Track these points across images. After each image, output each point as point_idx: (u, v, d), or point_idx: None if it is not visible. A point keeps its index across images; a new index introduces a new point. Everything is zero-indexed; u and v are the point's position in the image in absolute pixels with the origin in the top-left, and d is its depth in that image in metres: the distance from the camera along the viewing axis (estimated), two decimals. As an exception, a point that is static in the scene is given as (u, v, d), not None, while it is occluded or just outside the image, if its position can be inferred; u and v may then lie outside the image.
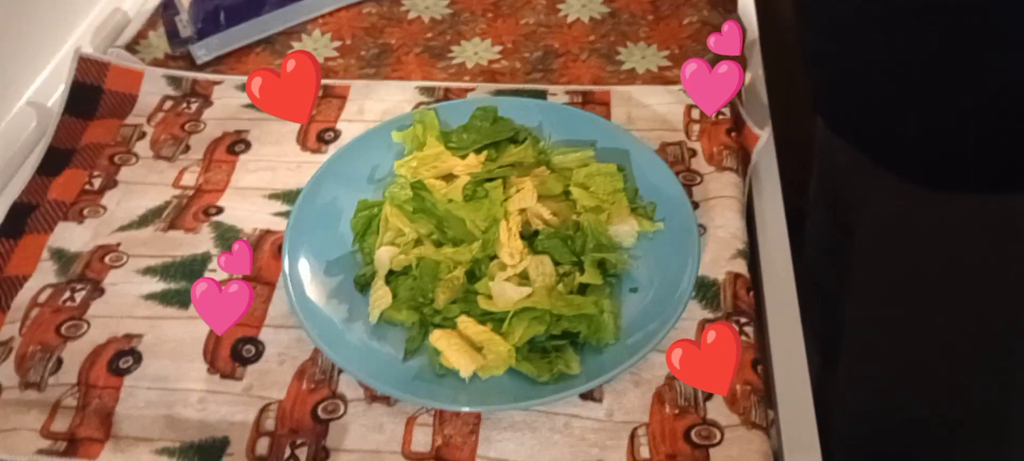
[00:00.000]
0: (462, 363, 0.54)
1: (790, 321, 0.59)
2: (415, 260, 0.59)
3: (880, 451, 0.84)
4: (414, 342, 0.57)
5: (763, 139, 0.69)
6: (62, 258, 0.64)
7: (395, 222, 0.62)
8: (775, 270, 0.63)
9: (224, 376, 0.56)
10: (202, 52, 0.81)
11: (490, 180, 0.63)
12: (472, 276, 0.59)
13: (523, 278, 0.58)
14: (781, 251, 0.64)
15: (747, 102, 0.75)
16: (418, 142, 0.68)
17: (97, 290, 0.61)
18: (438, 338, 0.55)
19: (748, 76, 0.78)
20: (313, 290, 0.59)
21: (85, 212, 0.67)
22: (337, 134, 0.73)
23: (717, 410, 0.53)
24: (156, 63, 0.81)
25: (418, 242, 0.61)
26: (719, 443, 0.52)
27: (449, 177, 0.65)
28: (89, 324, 0.59)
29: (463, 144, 0.67)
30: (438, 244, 0.61)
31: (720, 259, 0.61)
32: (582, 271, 0.59)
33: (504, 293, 0.57)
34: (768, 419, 0.53)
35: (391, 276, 0.60)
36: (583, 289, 0.59)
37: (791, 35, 0.73)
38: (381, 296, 0.58)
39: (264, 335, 0.58)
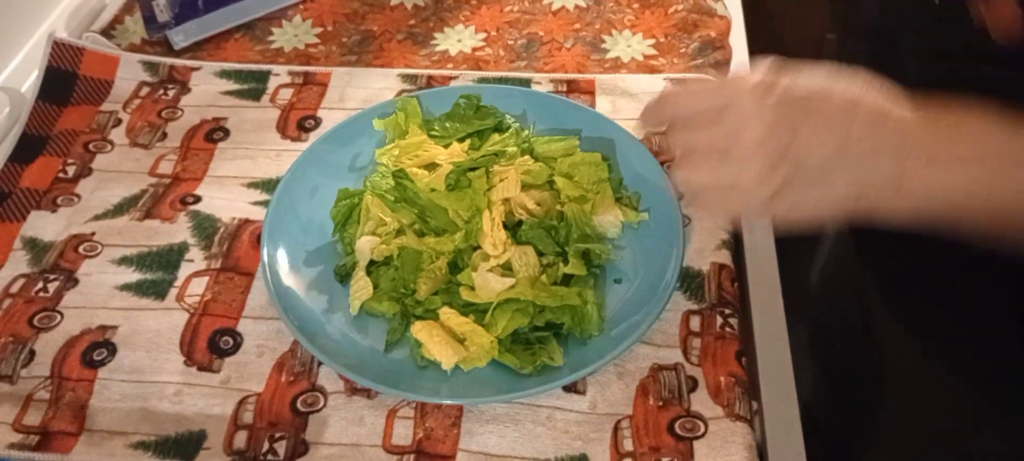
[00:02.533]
0: (444, 355, 0.53)
1: (774, 313, 0.59)
2: (396, 250, 0.59)
3: None
4: (395, 334, 0.56)
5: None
6: (35, 248, 0.62)
7: (376, 212, 0.61)
8: (759, 261, 0.62)
9: (201, 368, 0.55)
10: (180, 38, 0.79)
11: (473, 169, 0.63)
12: (454, 267, 0.58)
13: (506, 269, 0.58)
14: (765, 242, 0.64)
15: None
16: (400, 130, 0.67)
17: (71, 280, 0.60)
18: (420, 330, 0.55)
19: (733, 67, 0.78)
20: (292, 281, 0.58)
21: (59, 201, 0.66)
22: (318, 122, 0.72)
23: (701, 402, 0.53)
24: (132, 48, 0.80)
25: (400, 232, 0.61)
26: (703, 435, 0.51)
27: (431, 166, 0.64)
28: (63, 315, 0.58)
29: (446, 132, 0.66)
30: (420, 234, 0.60)
31: (705, 250, 0.61)
32: (566, 262, 0.58)
33: (487, 284, 0.56)
34: (752, 411, 0.53)
35: (372, 266, 0.59)
36: (567, 280, 0.58)
37: (777, 24, 0.73)
38: (362, 287, 0.57)
39: (242, 326, 0.57)
